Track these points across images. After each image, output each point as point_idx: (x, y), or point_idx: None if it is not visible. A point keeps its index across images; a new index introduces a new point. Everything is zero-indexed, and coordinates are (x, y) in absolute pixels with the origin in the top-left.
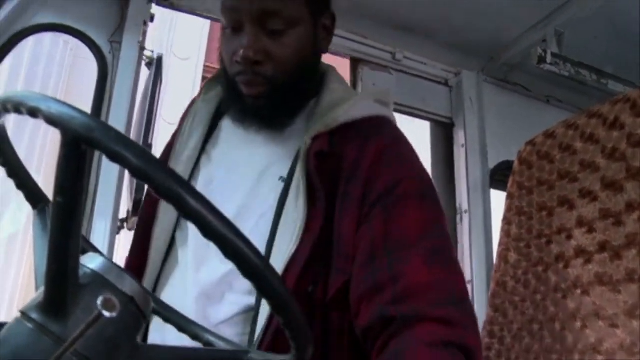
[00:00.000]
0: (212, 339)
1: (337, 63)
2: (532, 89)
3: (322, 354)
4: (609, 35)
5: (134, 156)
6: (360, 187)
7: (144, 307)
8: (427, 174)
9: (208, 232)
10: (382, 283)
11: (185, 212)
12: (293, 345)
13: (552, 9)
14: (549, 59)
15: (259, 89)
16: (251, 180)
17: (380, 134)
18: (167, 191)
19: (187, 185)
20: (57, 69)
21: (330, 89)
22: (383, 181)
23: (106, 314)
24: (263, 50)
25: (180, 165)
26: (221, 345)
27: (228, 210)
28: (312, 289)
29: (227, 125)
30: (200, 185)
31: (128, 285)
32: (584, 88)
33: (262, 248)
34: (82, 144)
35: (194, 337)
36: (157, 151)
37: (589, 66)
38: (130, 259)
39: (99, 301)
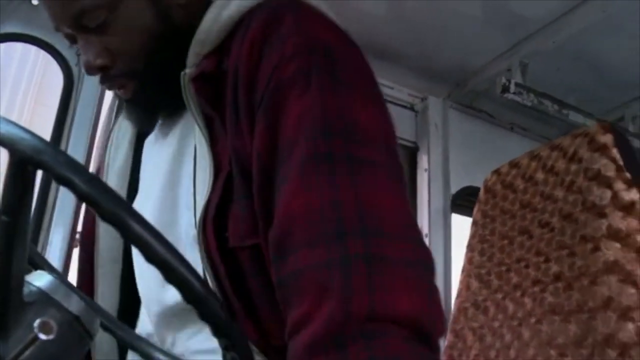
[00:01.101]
0: (162, 357)
1: None
2: (496, 116)
3: (246, 304)
4: (571, 68)
5: (81, 181)
6: (245, 91)
7: (89, 325)
8: (334, 41)
9: (151, 257)
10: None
11: (130, 238)
12: None
13: (517, 40)
14: (512, 88)
15: (127, 89)
16: (168, 164)
17: (256, 18)
18: (112, 216)
19: (132, 211)
20: (28, 73)
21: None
22: (263, 73)
23: (42, 336)
24: (99, 52)
25: (113, 176)
26: None
27: (150, 205)
28: (227, 234)
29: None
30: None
31: (74, 303)
32: (546, 117)
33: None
34: (29, 166)
35: (146, 355)
36: None
37: (551, 97)
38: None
39: (36, 323)
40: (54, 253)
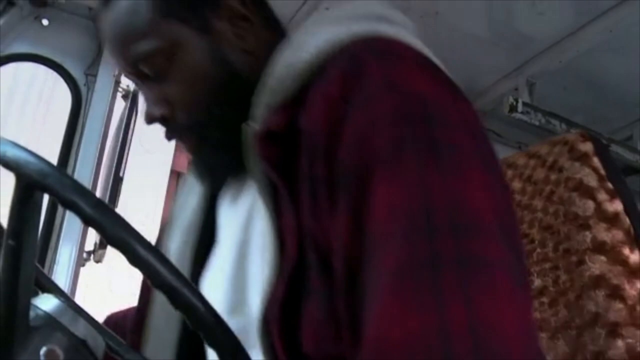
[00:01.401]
0: None
1: None
2: (504, 136)
3: None
4: (579, 87)
5: (86, 205)
6: (324, 162)
7: (95, 348)
8: (426, 99)
9: (158, 282)
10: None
11: (135, 262)
12: None
13: (525, 59)
14: (520, 107)
15: (189, 144)
16: (237, 234)
17: (338, 64)
18: (117, 241)
19: (137, 236)
20: (36, 93)
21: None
22: (345, 141)
23: None
24: (159, 101)
25: (177, 233)
26: None
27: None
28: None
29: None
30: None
31: (81, 327)
32: (554, 136)
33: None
34: (35, 190)
35: None
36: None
37: (558, 116)
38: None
39: (42, 352)
40: (61, 273)
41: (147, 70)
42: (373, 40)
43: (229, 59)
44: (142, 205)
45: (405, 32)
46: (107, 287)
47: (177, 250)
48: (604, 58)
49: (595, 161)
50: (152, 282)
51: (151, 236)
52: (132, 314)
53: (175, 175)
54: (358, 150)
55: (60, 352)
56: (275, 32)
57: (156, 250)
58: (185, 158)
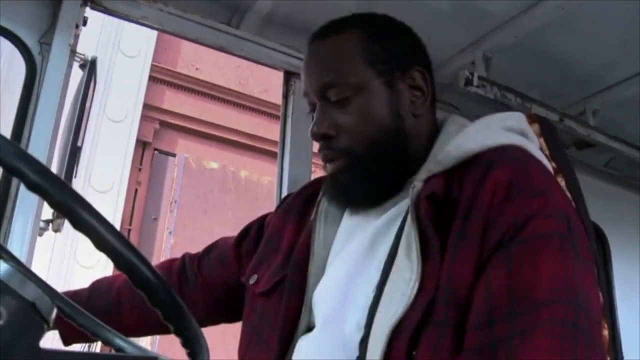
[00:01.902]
0: (123, 344)
1: (273, 76)
2: (460, 108)
3: None
4: (534, 63)
5: (30, 171)
6: (480, 226)
7: (45, 312)
8: (572, 214)
9: (101, 245)
10: None
11: (79, 226)
12: (188, 352)
13: (482, 34)
14: (475, 81)
15: (337, 164)
16: (357, 256)
17: (502, 163)
18: (61, 205)
19: (81, 200)
20: None
21: (445, 131)
22: (507, 220)
23: None
24: (330, 123)
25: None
26: (132, 350)
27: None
28: (415, 353)
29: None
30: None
31: (30, 291)
32: (510, 110)
33: (363, 314)
34: None
35: (106, 342)
36: (96, 152)
37: (514, 90)
38: None
39: None
40: (16, 242)
41: (333, 95)
42: (512, 146)
43: (401, 114)
44: (107, 174)
45: (533, 146)
46: (72, 257)
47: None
48: (557, 34)
49: (541, 141)
50: (96, 245)
51: (116, 204)
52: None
53: (141, 145)
54: (521, 228)
55: (3, 311)
56: (433, 109)
57: (99, 215)
58: (151, 128)
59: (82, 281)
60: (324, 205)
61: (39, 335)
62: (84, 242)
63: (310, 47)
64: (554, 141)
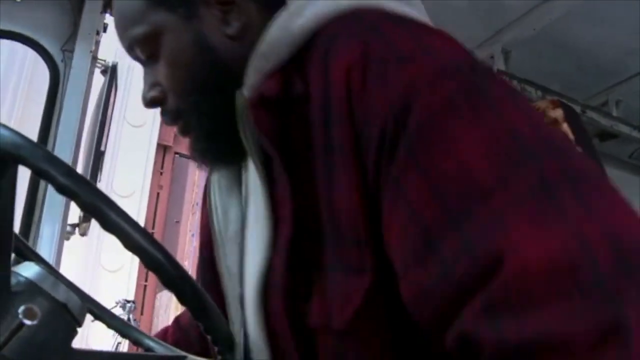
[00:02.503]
0: (152, 344)
1: None
2: None
3: None
4: (554, 55)
5: (59, 173)
6: (347, 132)
7: (77, 313)
8: (469, 60)
9: (129, 244)
10: (463, 280)
11: (107, 226)
12: (217, 350)
13: (499, 27)
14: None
15: (179, 128)
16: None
17: (348, 35)
18: (90, 207)
19: (109, 202)
20: (17, 70)
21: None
22: (379, 112)
23: (27, 322)
24: (152, 85)
25: (229, 243)
26: (160, 350)
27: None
28: (305, 310)
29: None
30: None
31: (62, 292)
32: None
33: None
34: (9, 161)
35: (135, 342)
36: (118, 155)
37: (534, 83)
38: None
39: (20, 310)
40: (45, 246)
41: (140, 53)
42: (379, 10)
43: (211, 44)
44: (130, 178)
45: (408, 8)
46: (97, 261)
47: (237, 269)
48: (577, 25)
49: (565, 127)
50: (125, 245)
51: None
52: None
53: (162, 149)
54: (411, 109)
55: (37, 310)
56: (268, 10)
57: (126, 215)
58: (171, 132)
59: (106, 285)
60: (214, 178)
61: (71, 335)
62: (109, 246)
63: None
64: (578, 127)
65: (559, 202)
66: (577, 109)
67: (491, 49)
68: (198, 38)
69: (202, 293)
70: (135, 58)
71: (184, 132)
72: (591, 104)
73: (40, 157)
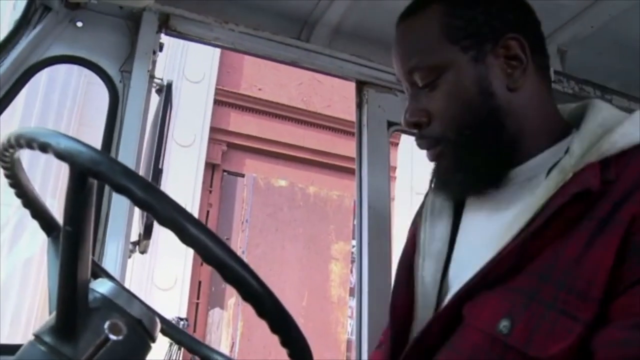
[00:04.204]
0: (220, 359)
1: (344, 85)
2: None
3: None
4: (612, 52)
5: (138, 188)
6: (632, 215)
7: (151, 329)
8: None
9: (208, 258)
10: None
11: (186, 240)
12: None
13: (555, 27)
14: (552, 76)
15: (432, 153)
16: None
17: None
18: (169, 220)
19: (187, 215)
20: (71, 95)
21: (596, 115)
22: None
23: (112, 337)
24: (420, 110)
25: (429, 257)
26: None
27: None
28: (506, 327)
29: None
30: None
31: (136, 308)
32: None
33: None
34: (89, 177)
35: (204, 358)
36: (168, 175)
37: (593, 83)
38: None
39: (106, 325)
40: (110, 264)
41: (419, 80)
42: None
43: (492, 91)
44: (179, 197)
45: None
46: (150, 279)
47: (431, 279)
48: (636, 21)
49: None
50: (204, 258)
51: None
52: None
53: (210, 167)
54: None
55: (122, 326)
56: (544, 80)
57: (205, 228)
58: (219, 150)
59: (159, 302)
60: (429, 198)
61: (147, 350)
62: (161, 265)
63: (396, 30)
64: None
65: None
66: (637, 106)
67: (547, 50)
68: (481, 81)
69: (281, 306)
70: (410, 82)
71: (436, 158)
72: None
73: (119, 172)
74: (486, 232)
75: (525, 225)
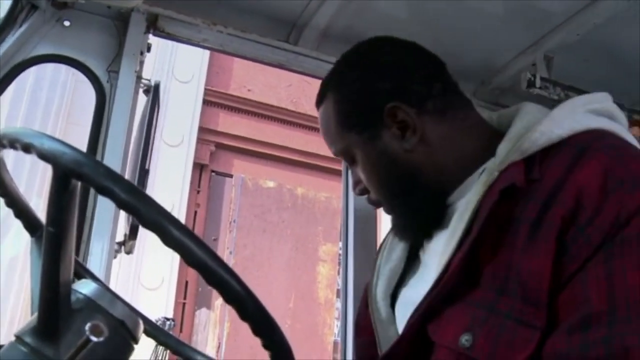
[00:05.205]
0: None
1: None
2: None
3: None
4: (598, 60)
5: (121, 190)
6: (561, 217)
7: (134, 330)
8: None
9: (191, 261)
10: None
11: (169, 242)
12: None
13: (541, 34)
14: (537, 83)
15: (385, 211)
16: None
17: (596, 151)
18: (152, 223)
19: (170, 217)
20: (59, 93)
21: (523, 118)
22: (606, 218)
23: (94, 338)
24: (357, 182)
25: (382, 277)
26: None
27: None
28: (468, 341)
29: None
30: None
31: (119, 309)
32: None
33: None
34: (72, 179)
35: (187, 359)
36: (156, 174)
37: (578, 89)
38: None
39: (87, 327)
40: (94, 265)
41: (345, 159)
42: (603, 131)
43: (395, 158)
44: (167, 197)
45: (622, 129)
46: (136, 279)
47: (382, 294)
48: (622, 29)
49: None
50: (186, 260)
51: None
52: None
53: (198, 167)
54: (621, 226)
55: (104, 328)
56: (452, 114)
57: (188, 230)
58: (207, 151)
59: (145, 302)
60: (388, 239)
61: (129, 351)
62: (148, 265)
63: None
64: None
65: None
66: (624, 114)
67: (533, 56)
68: (383, 154)
69: (263, 309)
70: (345, 161)
71: (387, 212)
72: (637, 109)
73: (102, 174)
74: (437, 248)
75: (463, 233)
